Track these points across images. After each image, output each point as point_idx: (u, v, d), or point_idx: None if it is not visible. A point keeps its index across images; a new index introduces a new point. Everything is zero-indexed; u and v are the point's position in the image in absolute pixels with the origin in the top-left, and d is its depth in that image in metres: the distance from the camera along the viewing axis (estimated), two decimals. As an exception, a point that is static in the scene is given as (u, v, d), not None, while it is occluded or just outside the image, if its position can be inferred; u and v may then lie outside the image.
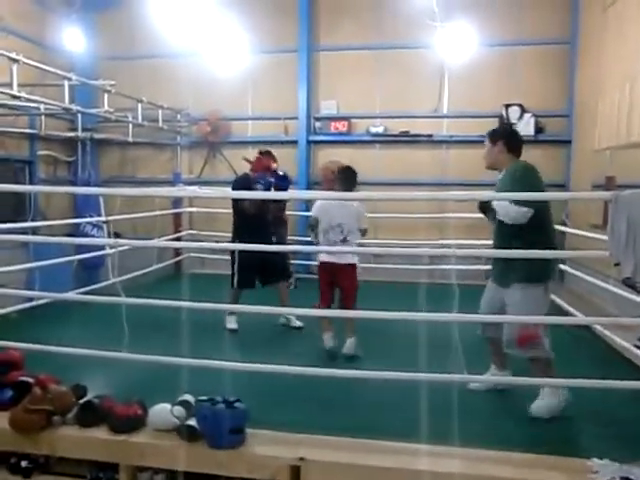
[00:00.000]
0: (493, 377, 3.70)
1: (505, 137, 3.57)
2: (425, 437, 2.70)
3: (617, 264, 2.67)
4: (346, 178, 4.65)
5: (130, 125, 8.36)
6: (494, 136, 3.60)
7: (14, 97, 5.93)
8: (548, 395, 3.28)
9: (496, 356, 3.71)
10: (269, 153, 5.67)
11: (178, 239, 8.44)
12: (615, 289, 4.51)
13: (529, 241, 3.18)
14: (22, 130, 7.95)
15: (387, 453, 2.61)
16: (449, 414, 2.86)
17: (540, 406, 3.28)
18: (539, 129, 8.07)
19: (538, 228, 3.30)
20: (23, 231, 5.64)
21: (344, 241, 4.46)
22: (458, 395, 3.06)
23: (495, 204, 3.35)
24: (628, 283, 2.70)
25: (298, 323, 5.33)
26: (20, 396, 2.89)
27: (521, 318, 3.25)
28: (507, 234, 3.35)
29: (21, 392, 2.92)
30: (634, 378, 3.28)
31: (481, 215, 3.61)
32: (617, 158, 5.79)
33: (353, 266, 4.55)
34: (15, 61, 5.67)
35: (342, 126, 8.66)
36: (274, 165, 5.63)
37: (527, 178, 3.40)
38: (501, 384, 3.67)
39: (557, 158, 8.13)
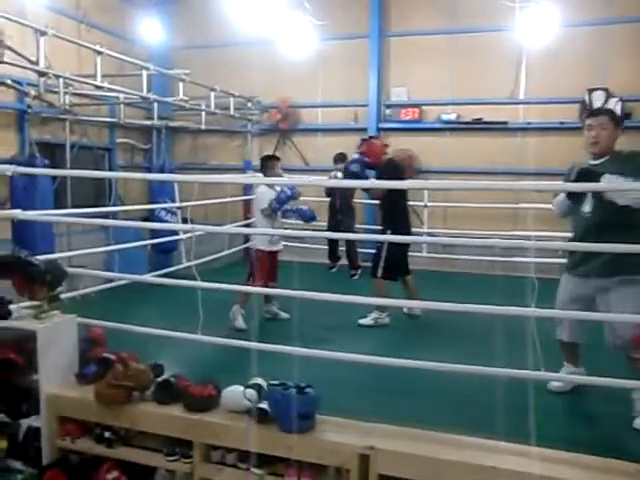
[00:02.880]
0: (576, 377, 3.45)
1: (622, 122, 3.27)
2: (497, 433, 2.61)
3: None
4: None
5: (203, 113, 8.58)
6: (618, 120, 3.22)
7: (97, 87, 6.22)
8: None
9: (569, 354, 3.54)
10: (363, 140, 5.82)
11: (248, 225, 8.59)
12: None
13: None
14: (103, 119, 8.35)
15: (458, 447, 2.53)
16: (521, 412, 2.75)
17: None
18: (626, 115, 7.51)
19: None
20: (104, 215, 5.92)
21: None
22: (533, 392, 2.92)
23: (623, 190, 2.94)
24: None
25: (417, 312, 5.22)
26: (102, 371, 3.04)
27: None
28: (619, 222, 3.00)
29: (103, 368, 3.07)
30: None
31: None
32: None
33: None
34: (99, 53, 5.94)
35: (413, 113, 8.50)
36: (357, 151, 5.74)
37: None
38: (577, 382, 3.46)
39: (645, 146, 7.57)
